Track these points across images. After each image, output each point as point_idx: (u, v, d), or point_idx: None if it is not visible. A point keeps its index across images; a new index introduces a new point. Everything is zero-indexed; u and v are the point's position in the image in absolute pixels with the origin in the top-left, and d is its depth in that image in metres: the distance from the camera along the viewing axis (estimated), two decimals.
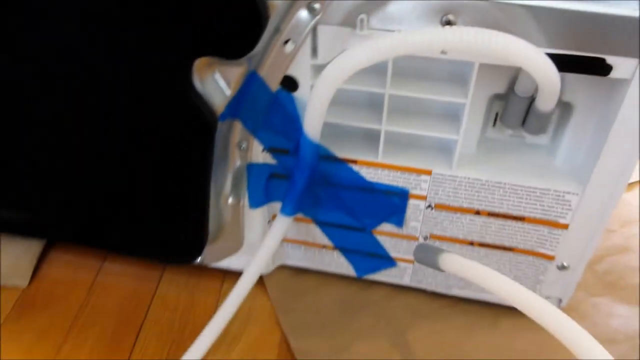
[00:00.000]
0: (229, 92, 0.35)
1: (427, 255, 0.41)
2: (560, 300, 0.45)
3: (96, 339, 0.46)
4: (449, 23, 0.31)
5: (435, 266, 0.40)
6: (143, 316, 0.48)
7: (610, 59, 0.31)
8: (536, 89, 0.34)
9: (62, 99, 0.38)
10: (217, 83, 0.34)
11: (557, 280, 0.43)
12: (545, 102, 0.34)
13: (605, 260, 0.51)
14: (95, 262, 0.52)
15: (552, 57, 0.30)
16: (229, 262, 0.48)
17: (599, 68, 0.32)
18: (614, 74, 0.32)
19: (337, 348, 0.44)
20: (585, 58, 0.31)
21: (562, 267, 0.42)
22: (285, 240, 0.47)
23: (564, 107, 0.37)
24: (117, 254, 0.52)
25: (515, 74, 0.35)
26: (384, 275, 0.48)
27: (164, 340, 0.46)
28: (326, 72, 0.32)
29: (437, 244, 0.43)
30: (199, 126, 0.35)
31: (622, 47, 0.30)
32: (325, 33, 0.34)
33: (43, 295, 0.49)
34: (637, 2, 0.29)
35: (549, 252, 0.42)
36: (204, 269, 0.51)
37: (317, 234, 0.46)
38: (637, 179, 0.60)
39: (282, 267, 0.50)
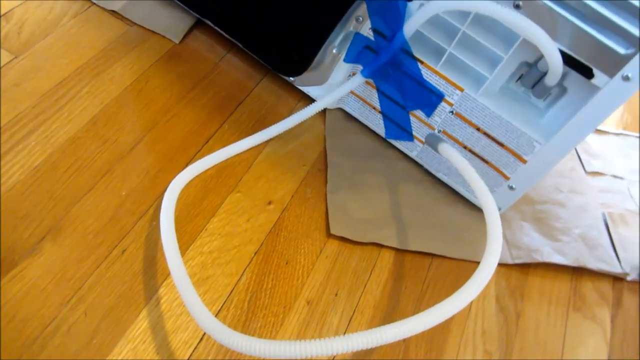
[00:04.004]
0: None
1: (433, 140, 0.63)
2: (500, 208, 0.67)
3: (211, 97, 0.68)
4: (517, 7, 0.49)
5: (436, 149, 0.62)
6: (242, 99, 0.70)
7: (595, 70, 0.50)
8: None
9: None
10: None
11: (503, 194, 0.65)
12: (550, 79, 0.53)
13: (545, 204, 0.73)
14: (222, 51, 0.73)
15: (562, 53, 0.49)
16: (309, 90, 0.70)
17: (587, 72, 0.50)
18: (594, 81, 0.50)
19: (353, 170, 0.67)
20: (581, 62, 0.50)
21: (510, 188, 0.64)
22: (352, 92, 0.68)
23: (562, 89, 0.56)
24: (247, 49, 0.69)
25: (541, 55, 0.54)
26: (401, 144, 0.69)
27: (252, 117, 0.68)
28: (433, 2, 0.52)
29: (444, 137, 0.65)
30: None
31: (604, 66, 0.49)
32: None
33: (185, 55, 0.71)
34: (626, 42, 0.47)
35: (508, 174, 0.63)
36: (291, 87, 0.72)
37: (374, 98, 0.66)
38: (599, 170, 0.80)
39: (341, 110, 0.72)
